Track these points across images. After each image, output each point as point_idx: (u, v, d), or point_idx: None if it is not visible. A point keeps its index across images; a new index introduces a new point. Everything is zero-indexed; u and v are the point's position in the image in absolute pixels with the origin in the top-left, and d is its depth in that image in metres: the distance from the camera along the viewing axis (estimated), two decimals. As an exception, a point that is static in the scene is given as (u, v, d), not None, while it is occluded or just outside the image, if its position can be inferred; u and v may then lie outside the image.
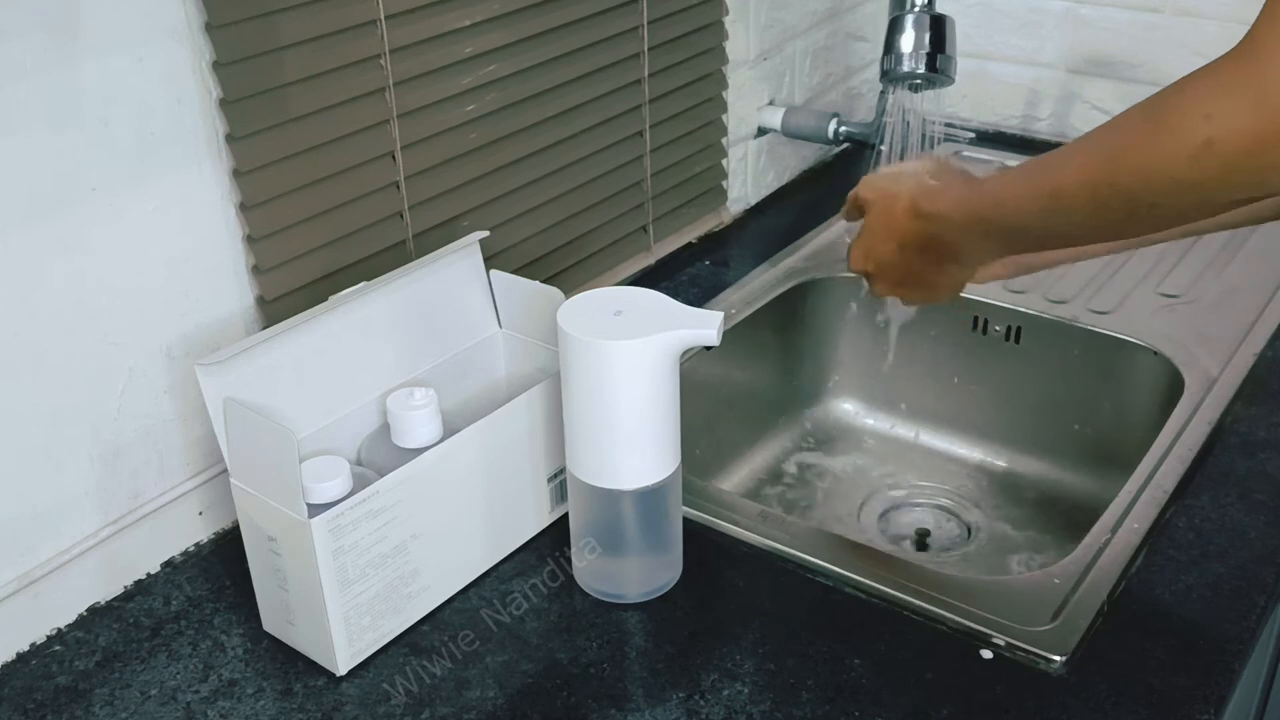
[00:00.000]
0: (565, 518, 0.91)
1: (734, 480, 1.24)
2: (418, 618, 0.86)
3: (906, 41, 1.21)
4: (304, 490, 0.77)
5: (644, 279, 1.30)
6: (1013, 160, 1.46)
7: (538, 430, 0.90)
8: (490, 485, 0.88)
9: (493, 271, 0.96)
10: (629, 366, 0.80)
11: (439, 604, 0.88)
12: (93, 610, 0.89)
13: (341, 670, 0.82)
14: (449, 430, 0.86)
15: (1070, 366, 1.21)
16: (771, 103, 1.44)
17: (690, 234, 1.39)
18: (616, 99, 1.21)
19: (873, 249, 0.91)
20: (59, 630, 0.87)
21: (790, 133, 1.44)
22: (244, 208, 0.90)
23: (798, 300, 1.30)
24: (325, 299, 0.86)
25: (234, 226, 0.90)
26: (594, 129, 1.19)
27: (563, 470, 0.92)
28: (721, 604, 0.88)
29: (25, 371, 0.81)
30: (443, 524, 0.85)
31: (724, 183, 1.41)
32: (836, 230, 1.37)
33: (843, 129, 1.41)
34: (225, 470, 0.81)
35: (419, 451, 0.83)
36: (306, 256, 0.95)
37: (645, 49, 1.22)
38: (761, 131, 1.44)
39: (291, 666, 0.83)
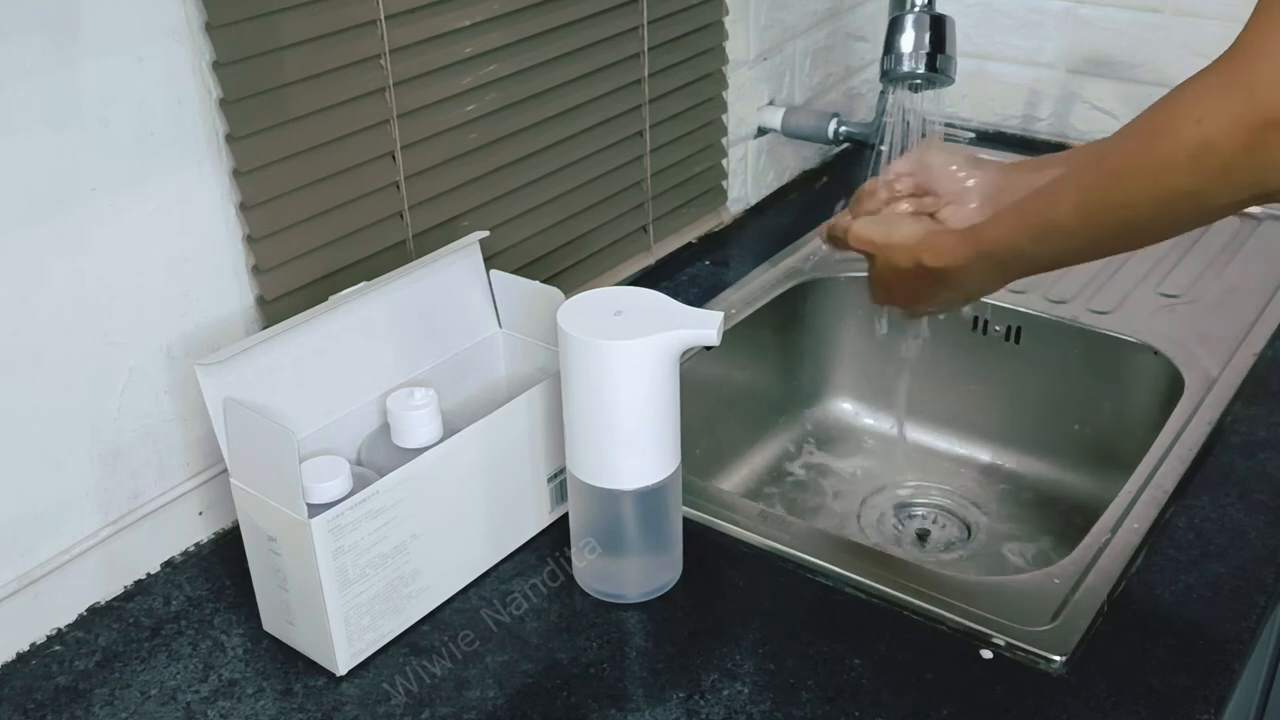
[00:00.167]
0: (565, 518, 0.91)
1: (734, 480, 1.24)
2: (418, 618, 0.86)
3: (906, 41, 1.21)
4: (304, 490, 0.77)
5: (644, 279, 1.30)
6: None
7: (538, 430, 0.90)
8: (490, 485, 0.88)
9: (493, 271, 0.96)
10: (629, 366, 0.80)
11: (439, 604, 0.88)
12: (93, 610, 0.89)
13: (341, 670, 0.82)
14: (449, 430, 0.86)
15: (1070, 366, 1.21)
16: (771, 103, 1.44)
17: (690, 234, 1.39)
18: (616, 99, 1.21)
19: (889, 288, 0.93)
20: (59, 630, 0.87)
21: (790, 133, 1.44)
22: (244, 208, 0.90)
23: (798, 300, 1.30)
24: (325, 299, 0.86)
25: (234, 226, 0.90)
26: (594, 129, 1.19)
27: (563, 470, 0.92)
28: (721, 604, 0.88)
29: (25, 371, 0.81)
30: (443, 524, 0.85)
31: (724, 183, 1.41)
32: (836, 231, 1.37)
33: (843, 129, 1.41)
34: (225, 470, 0.81)
35: (419, 451, 0.83)
36: (306, 256, 0.95)
37: (645, 49, 1.22)
38: (761, 131, 1.44)
39: (291, 666, 0.83)
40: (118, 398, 0.86)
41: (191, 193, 0.87)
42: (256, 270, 0.92)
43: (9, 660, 0.84)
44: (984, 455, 1.27)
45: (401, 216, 1.02)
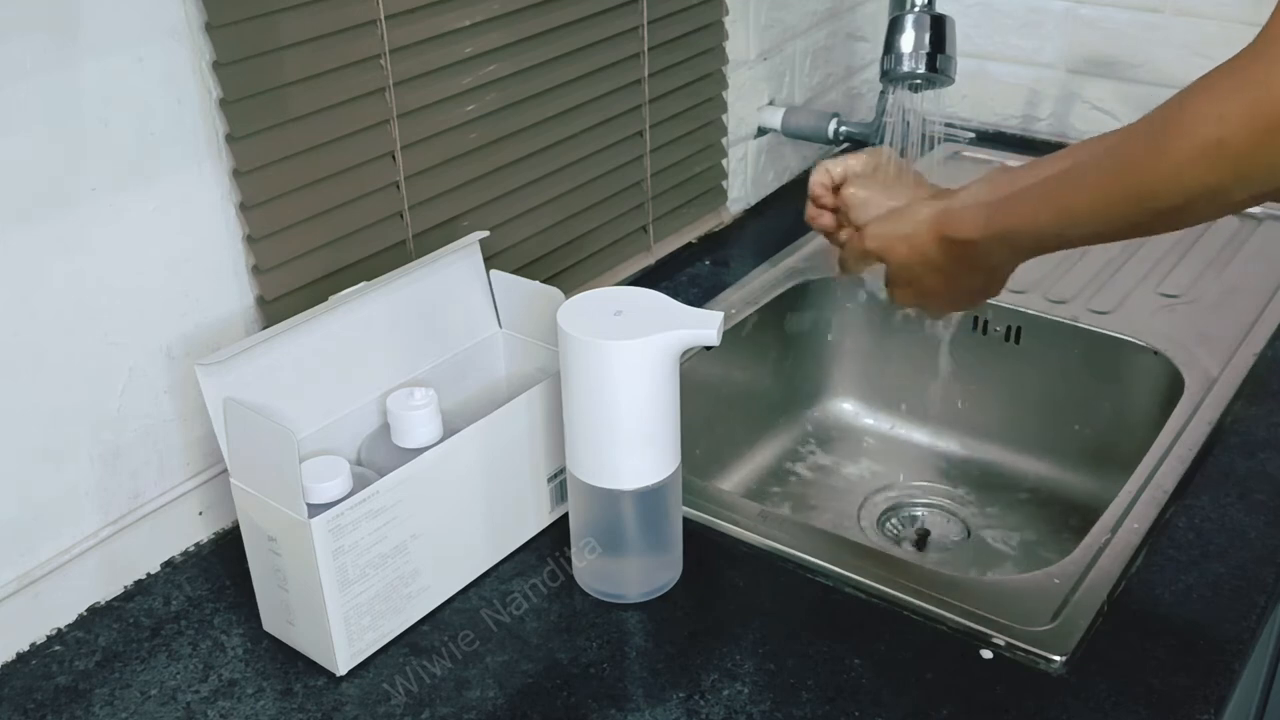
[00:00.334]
0: (565, 518, 0.91)
1: (734, 480, 1.24)
2: (418, 618, 0.86)
3: (906, 41, 1.21)
4: (304, 490, 0.77)
5: (644, 279, 1.30)
6: (1013, 161, 1.46)
7: (538, 430, 0.90)
8: (490, 485, 0.88)
9: (493, 271, 0.96)
10: (629, 366, 0.80)
11: (439, 604, 0.88)
12: (93, 610, 0.89)
13: (341, 670, 0.82)
14: (449, 430, 0.86)
15: (1070, 366, 1.21)
16: (771, 103, 1.44)
17: (690, 234, 1.39)
18: (616, 99, 1.21)
19: (911, 282, 0.90)
20: (59, 630, 0.87)
21: (790, 133, 1.44)
22: (244, 208, 0.90)
23: (798, 300, 1.30)
24: (325, 299, 0.86)
25: (234, 226, 0.90)
26: (594, 129, 1.19)
27: (563, 470, 0.92)
28: (721, 604, 0.88)
29: (25, 371, 0.81)
30: (443, 524, 0.85)
31: (724, 183, 1.41)
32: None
33: (843, 129, 1.41)
34: (225, 470, 0.81)
35: (419, 451, 0.83)
36: (306, 256, 0.95)
37: (645, 49, 1.22)
38: (761, 131, 1.44)
39: (291, 666, 0.83)
40: (118, 398, 0.86)
41: (191, 193, 0.87)
42: (256, 270, 0.92)
43: (9, 660, 0.84)
44: (984, 455, 1.27)
45: (401, 216, 1.02)
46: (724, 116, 1.37)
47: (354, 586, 0.80)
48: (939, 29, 1.21)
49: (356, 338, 0.88)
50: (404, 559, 0.83)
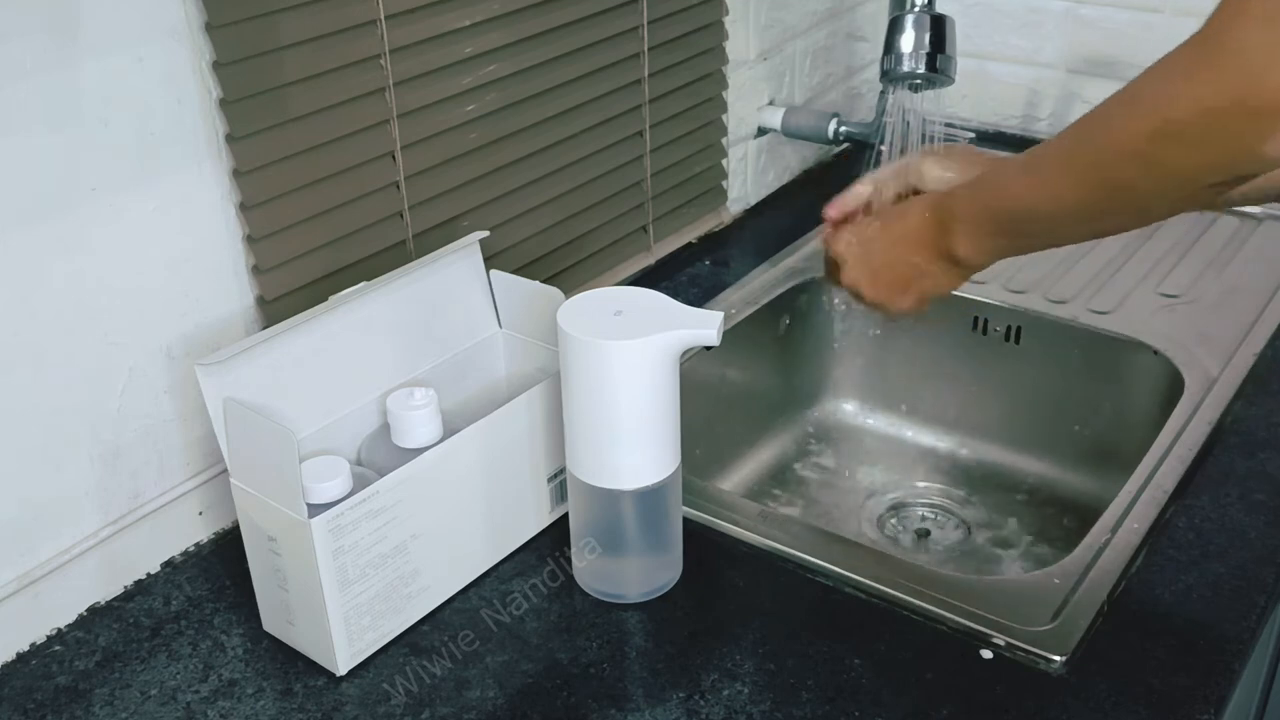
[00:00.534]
0: (565, 518, 0.91)
1: (734, 480, 1.24)
2: (418, 618, 0.86)
3: (906, 41, 1.21)
4: (304, 490, 0.77)
5: (644, 279, 1.30)
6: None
7: (538, 430, 0.90)
8: (490, 485, 0.88)
9: (493, 271, 0.96)
10: (629, 366, 0.80)
11: (439, 604, 0.88)
12: (93, 610, 0.89)
13: (341, 670, 0.82)
14: (449, 430, 0.86)
15: (1070, 366, 1.21)
16: (771, 103, 1.44)
17: (690, 234, 1.39)
18: (616, 99, 1.21)
19: (870, 281, 0.89)
20: (59, 630, 0.87)
21: (790, 133, 1.44)
22: (244, 208, 0.90)
23: (798, 300, 1.30)
24: (325, 299, 0.86)
25: (234, 226, 0.90)
26: (594, 129, 1.19)
27: (563, 470, 0.92)
28: (721, 604, 0.88)
29: (25, 371, 0.81)
30: (443, 524, 0.85)
31: (724, 183, 1.41)
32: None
33: (843, 129, 1.41)
34: (225, 470, 0.81)
35: (419, 451, 0.83)
36: (306, 256, 0.95)
37: (645, 49, 1.22)
38: (761, 131, 1.44)
39: (291, 666, 0.83)
40: (118, 398, 0.86)
41: (191, 193, 0.87)
42: (256, 270, 0.92)
43: (9, 660, 0.84)
44: (984, 455, 1.27)
45: (401, 216, 1.02)
46: (724, 116, 1.37)
47: (354, 586, 0.80)
48: (939, 29, 1.21)
49: (356, 338, 0.88)
50: (404, 559, 0.83)
